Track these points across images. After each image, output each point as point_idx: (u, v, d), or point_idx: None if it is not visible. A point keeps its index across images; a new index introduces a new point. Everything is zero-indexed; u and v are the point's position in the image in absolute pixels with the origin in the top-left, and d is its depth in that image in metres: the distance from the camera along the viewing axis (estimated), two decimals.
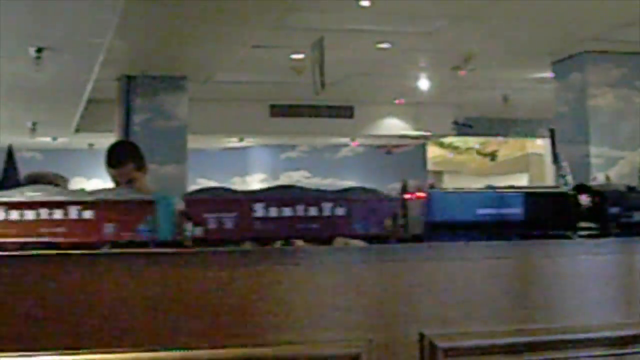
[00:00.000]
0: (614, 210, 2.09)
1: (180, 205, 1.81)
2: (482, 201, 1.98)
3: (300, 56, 9.40)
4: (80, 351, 1.62)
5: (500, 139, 17.86)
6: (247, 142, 15.87)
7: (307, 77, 8.92)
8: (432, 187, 2.20)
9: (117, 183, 4.42)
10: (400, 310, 1.82)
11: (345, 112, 13.76)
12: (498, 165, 19.23)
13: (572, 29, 8.61)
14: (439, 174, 18.90)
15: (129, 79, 10.44)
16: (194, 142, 11.23)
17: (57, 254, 1.69)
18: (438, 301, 1.85)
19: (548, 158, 14.41)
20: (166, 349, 1.67)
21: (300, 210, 1.85)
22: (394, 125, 14.18)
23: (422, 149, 16.65)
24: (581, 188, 2.13)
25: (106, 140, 9.40)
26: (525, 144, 18.31)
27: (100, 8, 6.28)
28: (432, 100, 12.99)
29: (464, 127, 14.70)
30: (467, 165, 19.64)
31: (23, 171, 4.72)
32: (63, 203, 1.75)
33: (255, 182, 16.02)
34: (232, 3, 7.29)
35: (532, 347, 1.90)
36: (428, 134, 14.54)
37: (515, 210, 2.00)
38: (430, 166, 17.34)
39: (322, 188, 1.94)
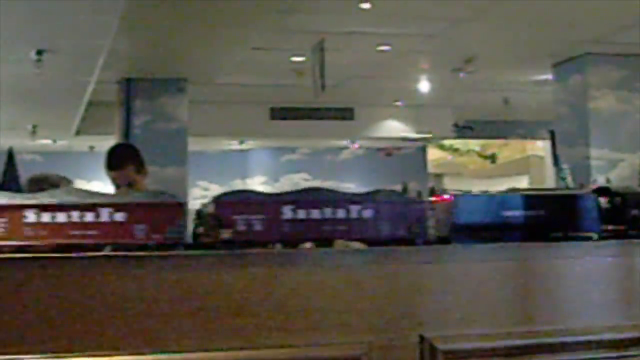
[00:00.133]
0: (635, 212, 2.12)
1: (209, 208, 1.82)
2: (507, 203, 2.01)
3: (301, 58, 9.40)
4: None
5: (500, 141, 17.86)
6: (248, 144, 15.87)
7: (307, 79, 8.91)
8: (433, 189, 2.22)
9: (117, 186, 4.40)
10: (401, 313, 1.82)
11: (345, 114, 13.75)
12: (498, 167, 19.22)
13: (573, 31, 8.60)
14: (439, 176, 18.88)
15: (129, 81, 10.43)
16: (194, 145, 11.21)
17: (64, 256, 1.69)
18: (438, 304, 1.85)
19: (548, 160, 14.38)
20: (165, 351, 1.67)
21: (328, 212, 1.86)
22: (394, 128, 14.17)
23: (423, 151, 16.63)
24: (600, 190, 2.14)
25: (106, 142, 9.37)
26: (525, 146, 18.30)
27: (101, 11, 6.29)
28: (433, 103, 12.98)
29: (464, 129, 14.69)
30: (468, 168, 19.64)
31: (23, 174, 4.71)
32: (95, 205, 1.76)
33: (256, 184, 16.00)
34: (233, 5, 7.28)
35: (532, 350, 1.90)
36: (428, 136, 14.53)
37: (540, 212, 2.02)
38: (430, 168, 17.31)
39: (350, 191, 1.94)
